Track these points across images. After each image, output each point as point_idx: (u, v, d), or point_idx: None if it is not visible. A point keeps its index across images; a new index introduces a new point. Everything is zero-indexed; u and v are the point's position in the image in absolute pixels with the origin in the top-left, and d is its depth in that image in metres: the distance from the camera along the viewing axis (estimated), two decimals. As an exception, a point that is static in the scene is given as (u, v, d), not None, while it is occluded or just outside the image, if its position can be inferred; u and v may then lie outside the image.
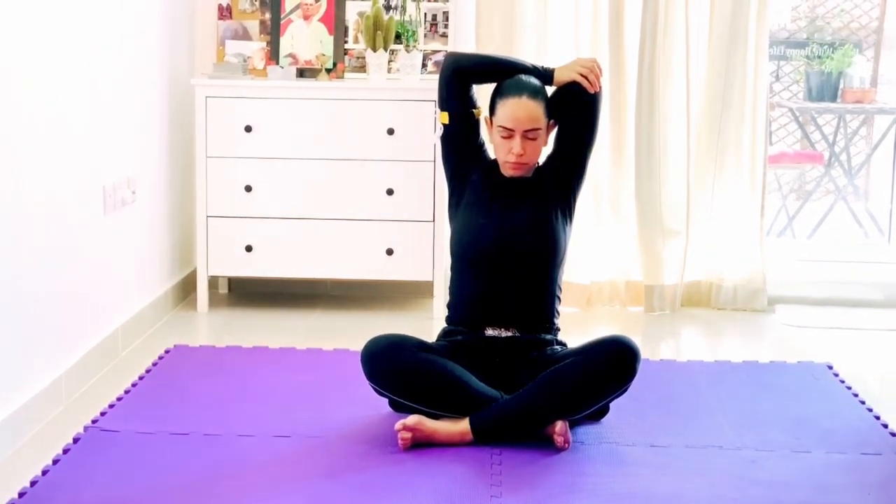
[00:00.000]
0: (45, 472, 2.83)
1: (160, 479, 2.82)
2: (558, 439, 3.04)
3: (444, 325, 3.35)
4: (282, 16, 4.66)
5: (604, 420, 3.24)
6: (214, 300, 4.69)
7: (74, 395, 3.45)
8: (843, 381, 3.71)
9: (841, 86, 6.00)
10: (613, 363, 3.05)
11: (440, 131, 3.32)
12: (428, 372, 3.09)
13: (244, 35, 4.74)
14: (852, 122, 6.40)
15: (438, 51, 4.69)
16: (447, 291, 3.39)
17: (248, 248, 4.48)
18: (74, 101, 3.48)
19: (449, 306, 3.34)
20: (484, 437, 3.05)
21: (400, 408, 3.18)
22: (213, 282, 4.73)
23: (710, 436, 3.19)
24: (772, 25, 5.34)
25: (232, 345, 4.03)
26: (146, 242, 4.25)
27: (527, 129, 3.17)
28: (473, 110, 3.30)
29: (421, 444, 3.03)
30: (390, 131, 4.40)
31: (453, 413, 3.08)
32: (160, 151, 4.38)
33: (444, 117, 3.29)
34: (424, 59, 4.66)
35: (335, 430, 3.17)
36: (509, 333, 3.23)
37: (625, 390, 3.10)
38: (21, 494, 2.71)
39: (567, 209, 3.29)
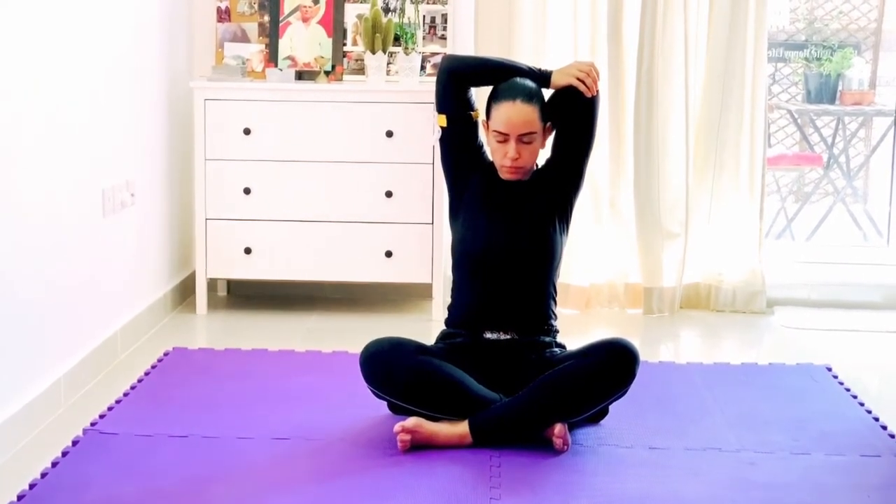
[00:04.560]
0: (43, 475, 2.83)
1: (159, 481, 2.82)
2: (557, 441, 3.04)
3: (442, 327, 3.35)
4: (280, 18, 4.66)
5: (603, 422, 3.24)
6: (213, 302, 4.69)
7: (73, 398, 3.45)
8: (841, 383, 3.71)
9: (839, 88, 6.00)
10: (612, 366, 3.05)
11: (438, 134, 3.32)
12: (426, 374, 3.08)
13: (243, 37, 4.74)
14: (851, 123, 6.41)
15: (437, 53, 4.69)
16: (446, 294, 3.39)
17: (247, 251, 4.48)
18: (73, 104, 3.48)
19: (449, 308, 3.35)
20: (483, 439, 3.05)
21: (399, 410, 3.17)
22: (211, 284, 4.73)
23: (709, 438, 3.19)
24: (770, 27, 5.34)
25: (231, 347, 4.03)
26: (145, 245, 4.25)
27: (521, 134, 3.16)
28: (471, 113, 3.29)
29: (420, 446, 3.04)
30: (389, 133, 4.40)
31: (452, 415, 3.08)
32: (159, 154, 4.38)
33: (442, 120, 3.29)
34: (423, 62, 4.66)
35: (334, 433, 3.17)
36: (508, 336, 3.23)
37: (624, 393, 3.10)
38: (20, 497, 2.71)
39: (564, 214, 3.29)
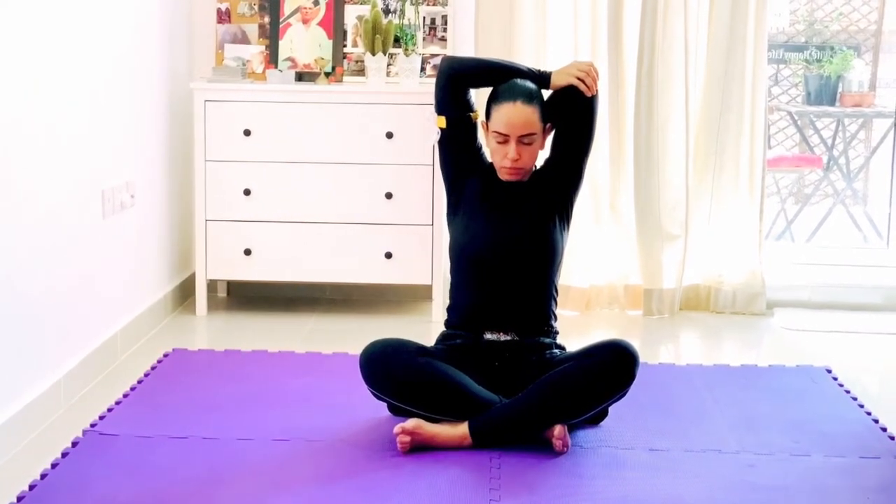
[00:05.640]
0: (43, 476, 2.83)
1: (159, 482, 2.82)
2: (557, 443, 3.03)
3: (442, 328, 3.35)
4: (281, 19, 4.67)
5: (602, 424, 3.24)
6: (213, 304, 4.69)
7: (73, 399, 3.45)
8: (841, 385, 3.71)
9: (839, 89, 6.01)
10: (612, 367, 3.05)
11: (437, 135, 3.32)
12: (426, 376, 3.08)
13: (243, 39, 4.74)
14: (851, 125, 6.41)
15: (437, 54, 4.69)
16: (446, 295, 3.39)
17: (247, 252, 4.48)
18: (74, 105, 3.48)
19: (448, 310, 3.35)
20: (483, 440, 3.05)
21: (399, 411, 3.17)
22: (211, 285, 4.73)
23: (709, 440, 3.19)
24: (770, 29, 5.35)
25: (231, 348, 4.03)
26: (145, 246, 4.25)
27: (521, 135, 3.17)
28: (470, 114, 3.30)
29: (420, 447, 3.03)
30: (389, 135, 4.40)
31: (452, 417, 3.08)
32: (159, 155, 4.38)
33: (441, 121, 3.29)
34: (423, 63, 4.66)
35: (334, 434, 3.16)
36: (508, 337, 3.23)
37: (624, 394, 3.10)
38: (20, 498, 2.70)
39: (564, 213, 3.29)
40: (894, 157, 5.28)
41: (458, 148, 3.32)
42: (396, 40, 4.60)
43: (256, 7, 4.74)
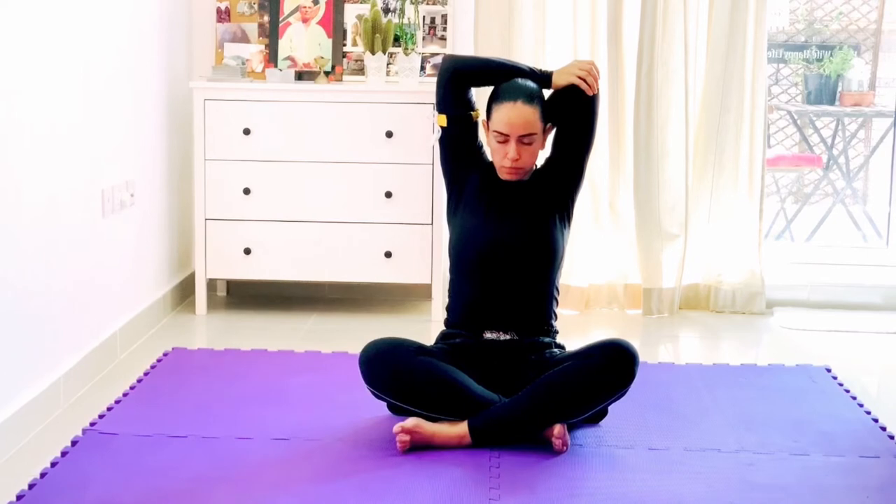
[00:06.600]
0: (43, 475, 2.83)
1: (158, 481, 2.82)
2: (557, 442, 3.04)
3: (442, 327, 3.35)
4: (280, 18, 4.67)
5: (602, 423, 3.24)
6: (213, 303, 4.69)
7: (73, 398, 3.45)
8: (841, 384, 3.71)
9: (839, 89, 6.01)
10: (612, 366, 3.05)
11: (438, 134, 3.32)
12: (426, 375, 3.08)
13: (242, 38, 4.74)
14: (850, 124, 6.41)
15: (437, 54, 4.69)
16: (446, 294, 3.39)
17: (247, 251, 4.48)
18: (73, 104, 3.48)
19: (448, 309, 3.35)
20: (482, 440, 3.05)
21: (398, 411, 3.17)
22: (211, 284, 4.73)
23: (709, 439, 3.19)
24: (770, 28, 5.35)
25: (230, 347, 4.03)
26: (144, 245, 4.25)
27: (522, 135, 3.17)
28: (471, 113, 3.30)
29: (419, 446, 3.04)
30: (389, 134, 4.40)
31: (452, 416, 3.08)
32: (159, 154, 4.38)
33: (442, 120, 3.29)
34: (423, 62, 4.66)
35: (333, 433, 3.17)
36: (508, 336, 3.23)
37: (623, 394, 3.10)
38: (19, 497, 2.71)
39: (565, 212, 3.29)
40: (894, 157, 5.28)
41: (458, 147, 3.32)
42: (396, 39, 4.60)
43: (256, 6, 4.74)
